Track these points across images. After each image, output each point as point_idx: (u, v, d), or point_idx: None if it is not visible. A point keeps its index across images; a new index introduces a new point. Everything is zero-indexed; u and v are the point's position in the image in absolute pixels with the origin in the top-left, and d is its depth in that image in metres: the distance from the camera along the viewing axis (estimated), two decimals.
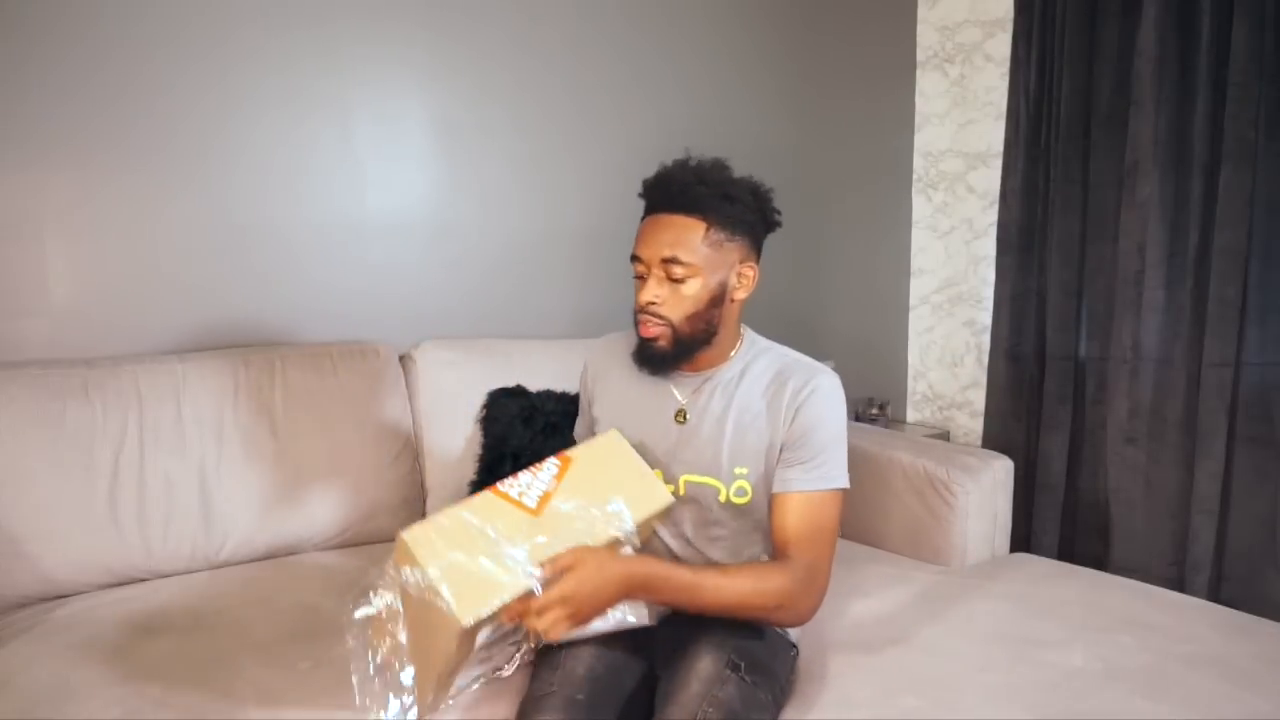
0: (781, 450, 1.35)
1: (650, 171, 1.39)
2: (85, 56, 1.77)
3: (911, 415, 3.28)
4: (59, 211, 1.79)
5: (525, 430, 1.97)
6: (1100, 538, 2.56)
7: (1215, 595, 2.30)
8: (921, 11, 3.08)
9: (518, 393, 2.03)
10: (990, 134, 2.93)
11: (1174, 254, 2.38)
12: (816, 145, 2.89)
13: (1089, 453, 2.60)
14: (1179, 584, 2.32)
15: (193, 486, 1.71)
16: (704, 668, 1.23)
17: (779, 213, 1.40)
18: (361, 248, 2.12)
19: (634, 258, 1.35)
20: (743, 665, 1.24)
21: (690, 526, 1.41)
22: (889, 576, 1.81)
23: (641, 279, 1.35)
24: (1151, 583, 1.86)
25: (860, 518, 2.10)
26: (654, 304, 1.32)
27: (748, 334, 1.45)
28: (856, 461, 2.11)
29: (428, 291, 2.22)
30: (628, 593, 1.19)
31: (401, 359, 2.05)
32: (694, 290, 1.32)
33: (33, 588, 1.57)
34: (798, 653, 1.45)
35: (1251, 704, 1.29)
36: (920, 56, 3.10)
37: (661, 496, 1.31)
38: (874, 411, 2.90)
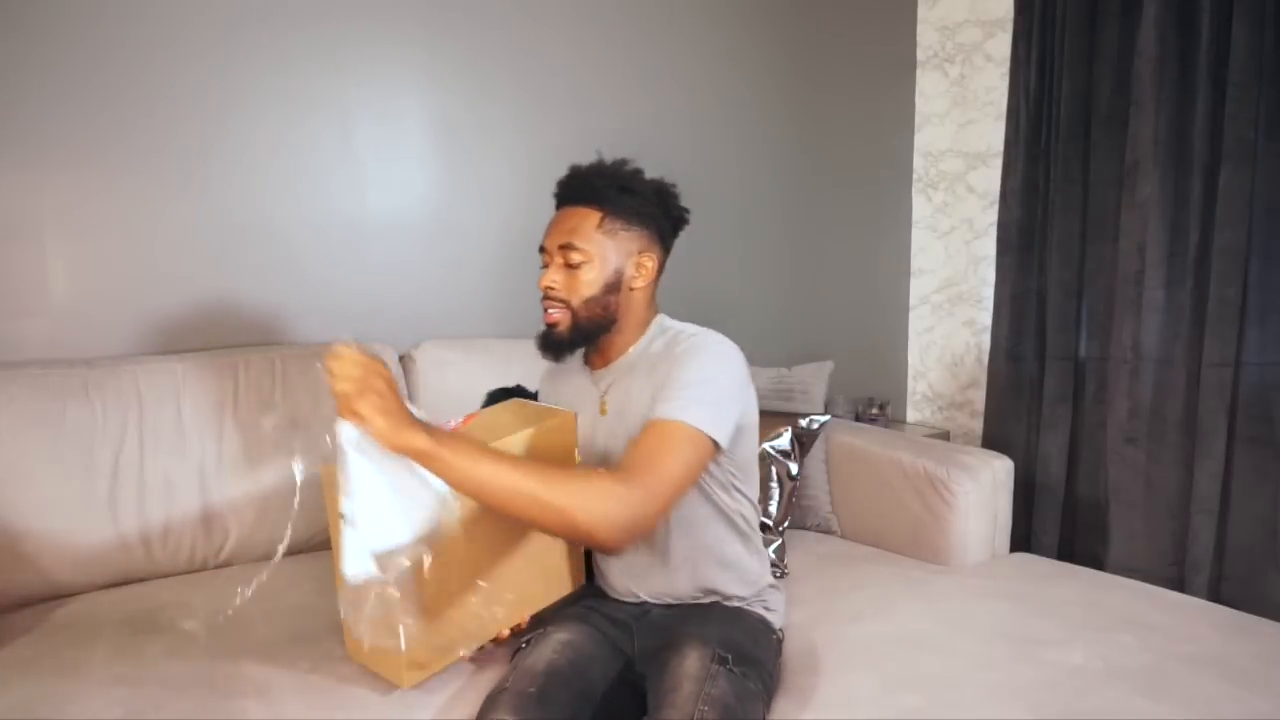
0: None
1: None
2: (85, 57, 1.77)
3: (911, 415, 3.28)
4: (59, 211, 1.79)
5: None
6: (1100, 538, 2.56)
7: (1215, 595, 2.30)
8: (921, 11, 3.08)
9: (517, 392, 2.02)
10: (990, 134, 2.93)
11: (1174, 254, 2.38)
12: (816, 145, 2.89)
13: (1089, 453, 2.60)
14: (1179, 584, 2.32)
15: (193, 486, 1.71)
16: (692, 665, 1.22)
17: (686, 210, 1.45)
18: (361, 247, 2.12)
19: (540, 249, 1.42)
20: (729, 658, 1.24)
21: None
22: (889, 576, 1.81)
23: (546, 268, 1.41)
24: (1151, 583, 1.86)
25: (860, 518, 2.10)
26: (552, 288, 1.38)
27: (659, 320, 1.46)
28: (857, 461, 2.15)
29: (428, 291, 2.22)
30: (407, 419, 1.05)
31: (401, 359, 2.04)
32: (590, 276, 1.37)
33: (33, 587, 1.57)
34: (782, 638, 1.45)
35: (1251, 704, 1.29)
36: (920, 56, 3.10)
37: (560, 411, 1.38)
38: (874, 411, 2.90)
